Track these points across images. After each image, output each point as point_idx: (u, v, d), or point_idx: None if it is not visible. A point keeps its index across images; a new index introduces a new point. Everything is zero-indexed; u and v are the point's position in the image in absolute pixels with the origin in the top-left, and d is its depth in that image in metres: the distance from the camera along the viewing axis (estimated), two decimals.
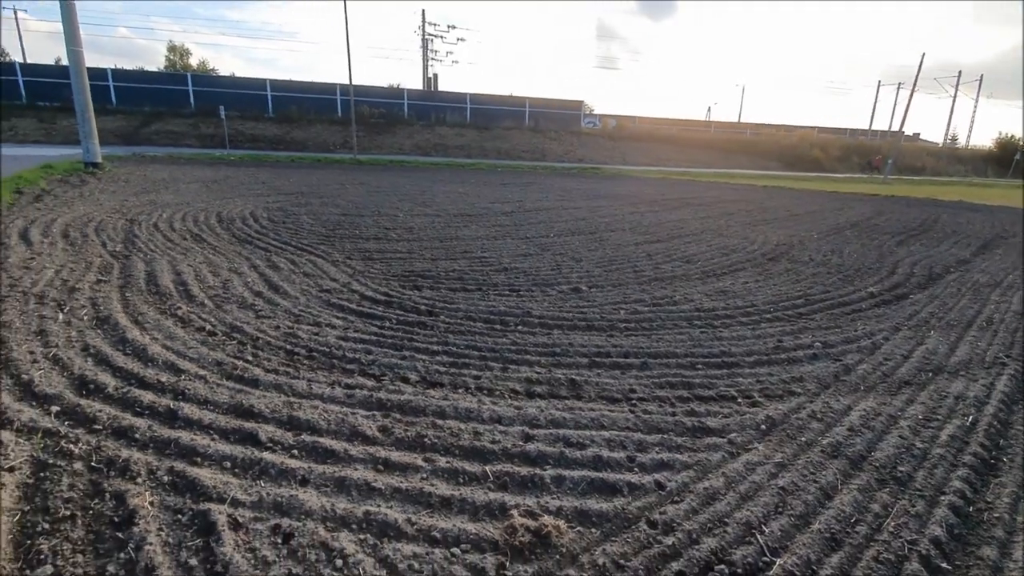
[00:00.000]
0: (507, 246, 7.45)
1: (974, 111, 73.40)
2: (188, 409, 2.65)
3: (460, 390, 3.08)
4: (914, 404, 3.12)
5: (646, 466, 2.38)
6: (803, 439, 2.68)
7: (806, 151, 44.42)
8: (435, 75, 49.60)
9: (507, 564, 1.79)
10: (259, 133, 33.13)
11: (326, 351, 3.50)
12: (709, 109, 76.76)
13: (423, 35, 50.13)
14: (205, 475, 2.15)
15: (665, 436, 2.66)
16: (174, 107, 33.68)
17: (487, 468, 2.32)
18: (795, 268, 6.69)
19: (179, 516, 1.93)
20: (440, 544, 1.87)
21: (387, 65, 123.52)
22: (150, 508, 1.93)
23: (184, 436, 2.41)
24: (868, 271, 6.63)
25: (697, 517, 2.05)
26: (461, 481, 2.25)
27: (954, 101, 55.27)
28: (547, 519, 1.96)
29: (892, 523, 2.10)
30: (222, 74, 43.91)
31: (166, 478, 2.13)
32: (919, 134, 60.63)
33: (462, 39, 50.69)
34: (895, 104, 61.04)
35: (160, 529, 1.86)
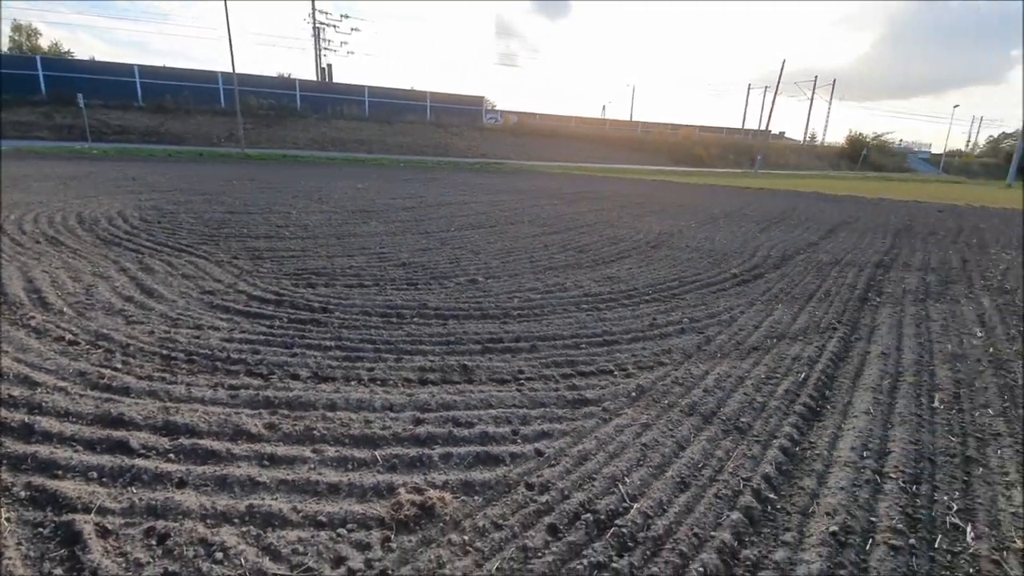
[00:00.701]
0: (406, 241, 7.44)
1: (828, 112, 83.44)
2: (46, 423, 2.45)
3: (353, 383, 3.11)
4: (759, 366, 3.62)
5: (528, 437, 2.58)
6: (666, 402, 3.02)
7: (690, 148, 48.09)
8: (329, 66, 47.52)
9: (392, 537, 1.89)
10: (128, 124, 29.91)
11: (208, 354, 3.35)
12: (604, 107, 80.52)
13: (314, 23, 47.79)
14: (68, 487, 2.02)
15: (547, 409, 2.88)
16: (21, 95, 29.44)
17: (377, 453, 2.39)
18: (673, 254, 7.34)
19: (40, 530, 1.82)
20: (326, 527, 1.92)
21: (276, 53, 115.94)
22: (7, 524, 1.80)
23: (42, 450, 2.24)
24: (734, 255, 7.44)
25: (570, 476, 2.28)
26: (350, 467, 2.30)
27: (811, 103, 62.57)
28: (433, 493, 2.08)
29: (732, 465, 2.47)
30: (80, 58, 38.89)
31: (23, 493, 1.98)
32: (784, 133, 67.83)
33: (356, 29, 48.95)
34: (762, 106, 67.93)
35: (19, 543, 1.74)
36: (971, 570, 1.91)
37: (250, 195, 11.54)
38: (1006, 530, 2.11)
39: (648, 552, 1.88)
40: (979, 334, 4.42)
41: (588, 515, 2.03)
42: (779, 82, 39.94)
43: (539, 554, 1.83)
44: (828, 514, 2.15)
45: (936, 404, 3.16)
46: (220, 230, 7.47)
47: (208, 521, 1.91)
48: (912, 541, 2.03)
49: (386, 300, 4.66)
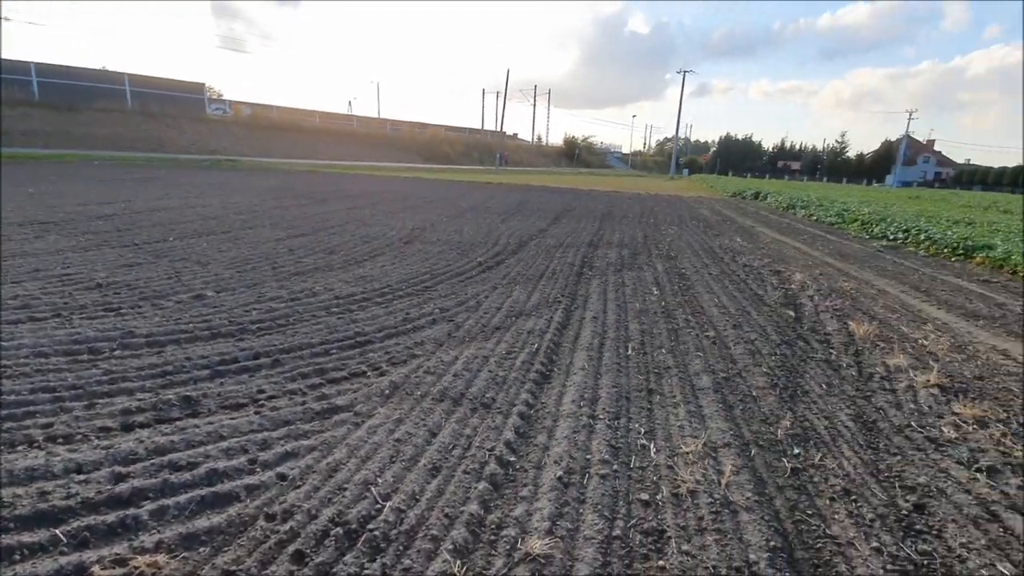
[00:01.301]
0: (104, 257, 6.02)
1: (548, 117, 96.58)
2: None
3: (19, 448, 2.37)
4: (501, 343, 3.98)
5: (268, 463, 2.35)
6: (418, 393, 3.10)
7: (438, 146, 50.24)
8: None
9: None
10: None
11: None
12: (350, 103, 78.31)
13: None
14: None
15: (293, 427, 2.66)
16: None
17: (58, 531, 1.87)
18: (426, 248, 7.56)
19: None
20: None
21: None
22: None
23: None
24: (479, 245, 8.04)
25: (318, 494, 2.15)
26: (17, 559, 1.75)
27: (535, 108, 71.46)
28: (140, 560, 1.72)
29: (479, 439, 2.66)
30: None
31: None
32: (517, 134, 76.15)
33: None
34: (496, 109, 75.13)
35: None
36: (655, 477, 2.44)
37: None
38: (675, 440, 2.75)
39: (401, 547, 1.90)
40: (655, 292, 5.68)
41: (338, 529, 1.94)
42: (506, 88, 44.77)
43: None
44: (556, 462, 2.48)
45: (630, 352, 3.94)
46: None
47: None
48: (615, 467, 2.48)
49: (71, 334, 3.69)
